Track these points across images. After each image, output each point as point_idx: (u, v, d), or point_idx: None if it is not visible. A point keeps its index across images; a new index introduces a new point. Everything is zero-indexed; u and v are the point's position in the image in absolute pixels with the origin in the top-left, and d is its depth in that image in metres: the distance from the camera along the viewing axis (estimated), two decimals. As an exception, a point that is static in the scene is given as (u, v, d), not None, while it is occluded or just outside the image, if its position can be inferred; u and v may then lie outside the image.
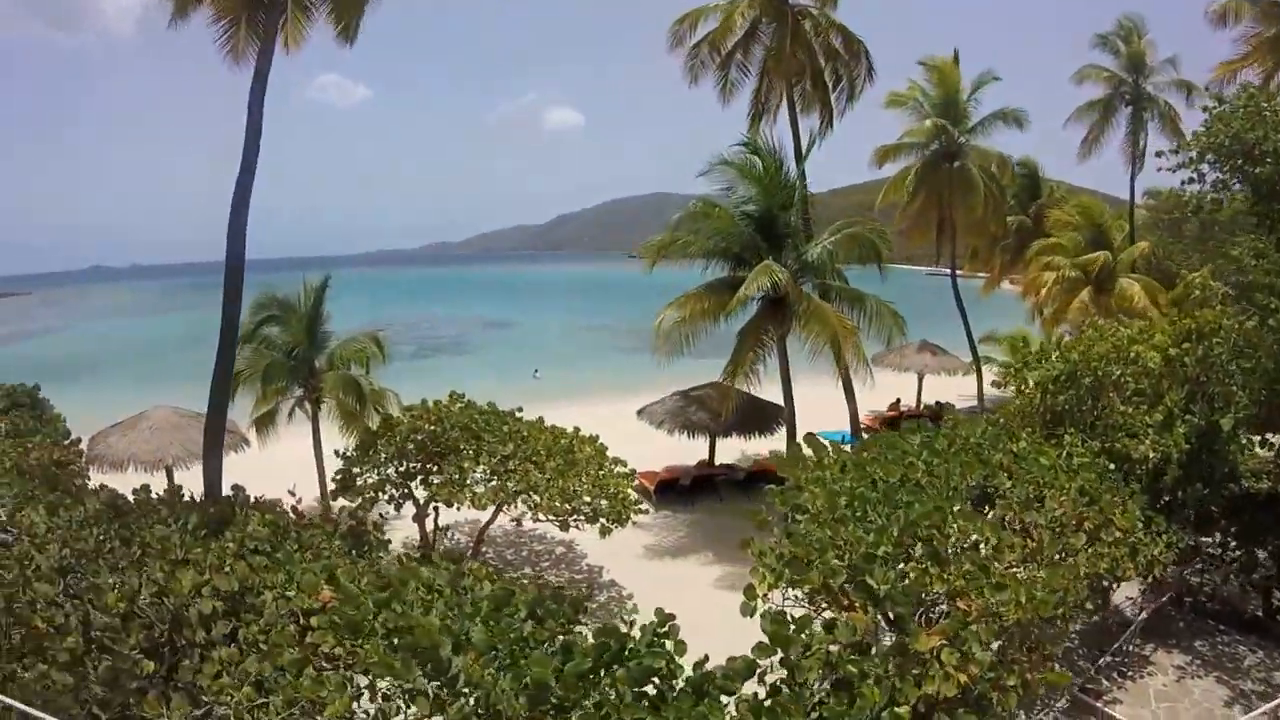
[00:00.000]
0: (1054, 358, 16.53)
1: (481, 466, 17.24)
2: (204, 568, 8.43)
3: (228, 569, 8.34)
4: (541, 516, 16.90)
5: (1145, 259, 32.64)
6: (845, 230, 21.57)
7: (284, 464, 21.19)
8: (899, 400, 33.70)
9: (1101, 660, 14.34)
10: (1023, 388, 16.87)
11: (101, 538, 9.33)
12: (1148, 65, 38.53)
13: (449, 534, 19.24)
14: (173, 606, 7.60)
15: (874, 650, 7.65)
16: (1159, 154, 16.35)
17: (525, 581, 12.46)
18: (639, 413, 24.82)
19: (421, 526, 18.69)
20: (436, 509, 18.15)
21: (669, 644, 6.62)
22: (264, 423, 22.65)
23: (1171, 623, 15.64)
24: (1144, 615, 15.30)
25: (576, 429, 18.79)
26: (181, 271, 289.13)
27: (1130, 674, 14.21)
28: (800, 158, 24.56)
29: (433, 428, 17.81)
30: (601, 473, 17.39)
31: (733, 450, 26.80)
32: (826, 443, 13.77)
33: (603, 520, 16.64)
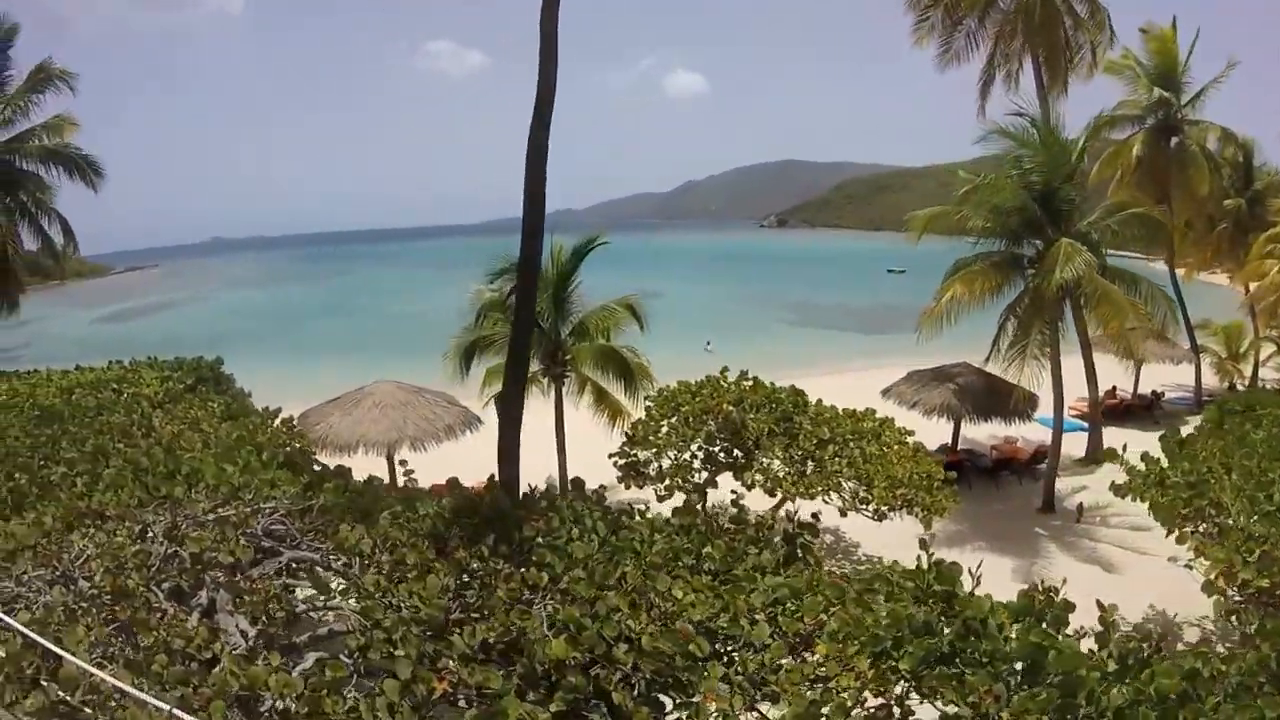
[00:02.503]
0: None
1: (792, 451, 16.24)
2: (647, 595, 6.54)
3: (691, 596, 6.47)
4: (862, 506, 15.92)
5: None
6: (1130, 209, 20.26)
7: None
8: (1115, 388, 31.99)
9: None
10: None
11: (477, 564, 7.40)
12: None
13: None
14: (670, 655, 5.66)
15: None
16: None
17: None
18: (884, 392, 23.56)
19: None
20: (705, 494, 17.09)
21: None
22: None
23: None
24: None
25: (871, 411, 17.81)
26: (301, 242, 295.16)
27: None
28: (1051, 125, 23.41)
29: (730, 408, 16.74)
30: (914, 460, 16.48)
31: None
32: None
33: (919, 510, 15.69)
